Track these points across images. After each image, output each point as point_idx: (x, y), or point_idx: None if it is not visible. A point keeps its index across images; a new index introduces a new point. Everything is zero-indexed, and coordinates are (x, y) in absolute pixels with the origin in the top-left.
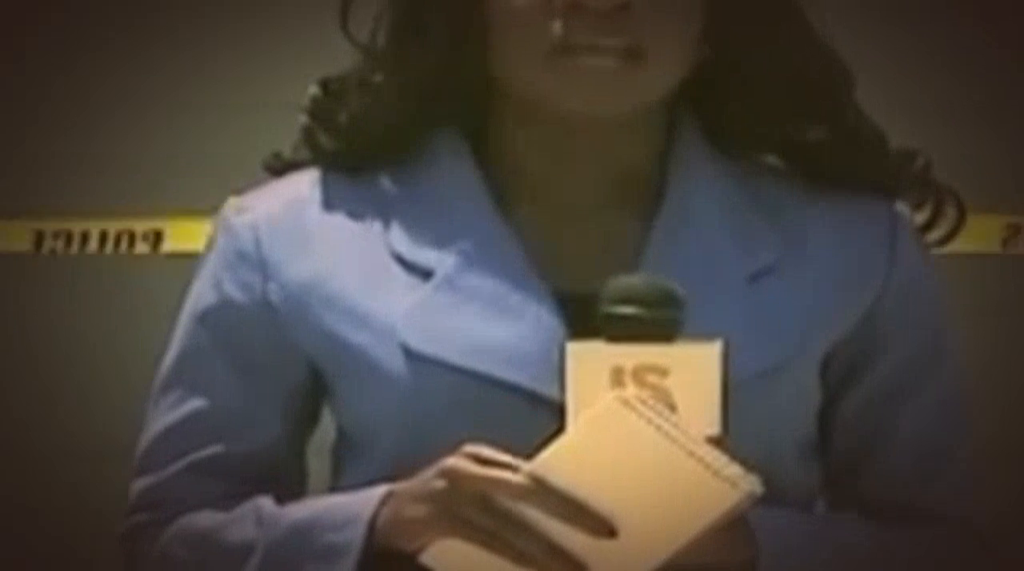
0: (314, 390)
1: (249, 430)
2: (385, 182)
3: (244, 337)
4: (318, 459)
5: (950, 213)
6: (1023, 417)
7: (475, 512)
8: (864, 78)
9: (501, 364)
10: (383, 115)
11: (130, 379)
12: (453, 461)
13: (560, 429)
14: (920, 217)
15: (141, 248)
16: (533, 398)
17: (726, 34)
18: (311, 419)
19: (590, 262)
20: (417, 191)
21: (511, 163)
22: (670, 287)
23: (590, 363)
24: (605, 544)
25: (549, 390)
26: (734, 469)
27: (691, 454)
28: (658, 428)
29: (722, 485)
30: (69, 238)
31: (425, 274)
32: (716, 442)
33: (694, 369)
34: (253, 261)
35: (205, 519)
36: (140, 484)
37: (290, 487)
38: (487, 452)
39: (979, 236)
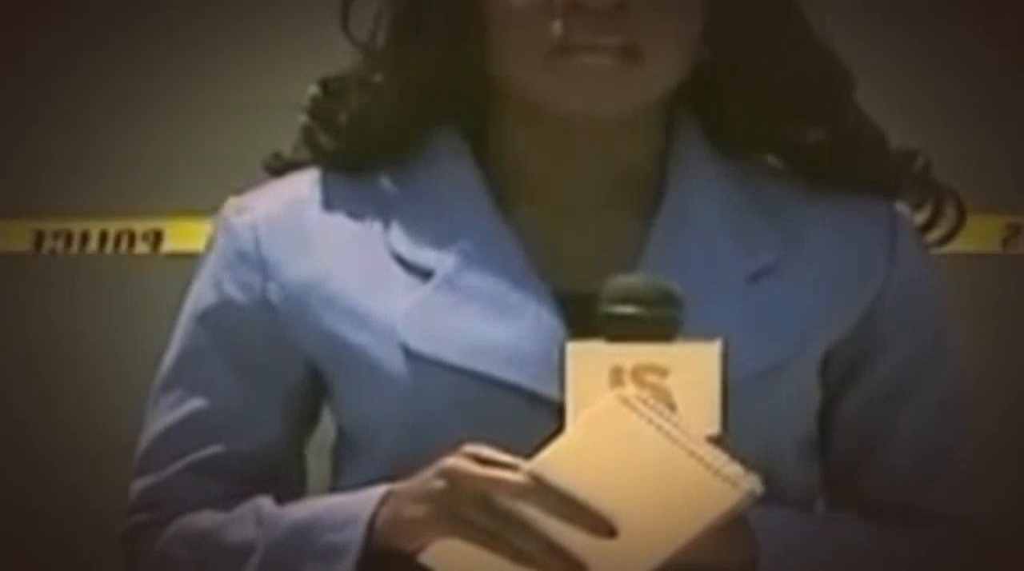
0: (314, 390)
1: (249, 430)
2: (385, 182)
3: (244, 337)
4: (318, 459)
5: (950, 213)
6: (1023, 417)
7: (475, 512)
8: (864, 78)
9: (501, 364)
10: (383, 114)
11: (130, 379)
12: (453, 461)
13: (560, 429)
14: (920, 217)
15: (141, 248)
16: (533, 398)
17: (726, 35)
18: (311, 419)
19: (590, 262)
20: (417, 191)
21: (511, 163)
22: (669, 287)
23: (590, 363)
24: (605, 543)
25: (549, 390)
26: (734, 468)
27: (691, 453)
28: (658, 427)
29: (722, 485)
30: (69, 238)
31: (425, 274)
32: (716, 442)
33: (694, 369)
34: (253, 261)
35: (205, 519)
36: (140, 484)
37: (290, 487)
38: (487, 452)
39: (979, 236)
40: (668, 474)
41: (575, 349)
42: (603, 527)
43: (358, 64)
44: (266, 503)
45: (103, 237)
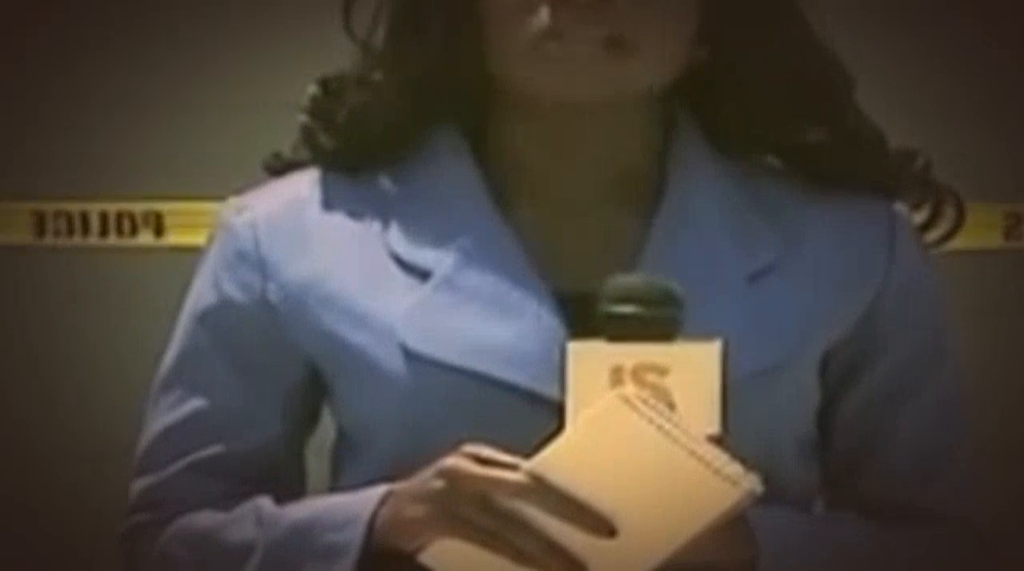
0: (314, 390)
1: (249, 430)
2: (384, 181)
3: (244, 337)
4: (318, 459)
5: (949, 213)
6: (1023, 417)
7: (474, 512)
8: (864, 78)
9: (500, 364)
10: (382, 113)
11: (130, 379)
12: (452, 461)
13: (560, 428)
14: (919, 217)
15: (143, 235)
16: (532, 398)
17: (722, 35)
18: (311, 419)
19: (590, 261)
20: (416, 189)
21: (510, 161)
22: (669, 286)
23: (590, 362)
24: (605, 543)
25: (548, 389)
26: (734, 468)
27: (691, 453)
28: (658, 427)
29: (722, 484)
30: (70, 221)
31: (424, 274)
32: (716, 441)
33: (694, 368)
34: (252, 261)
35: (205, 519)
36: (140, 484)
37: (290, 487)
38: (486, 452)
39: (980, 228)
40: (668, 474)
41: (575, 349)
42: (603, 527)
43: (357, 63)
44: (266, 503)
45: (104, 219)
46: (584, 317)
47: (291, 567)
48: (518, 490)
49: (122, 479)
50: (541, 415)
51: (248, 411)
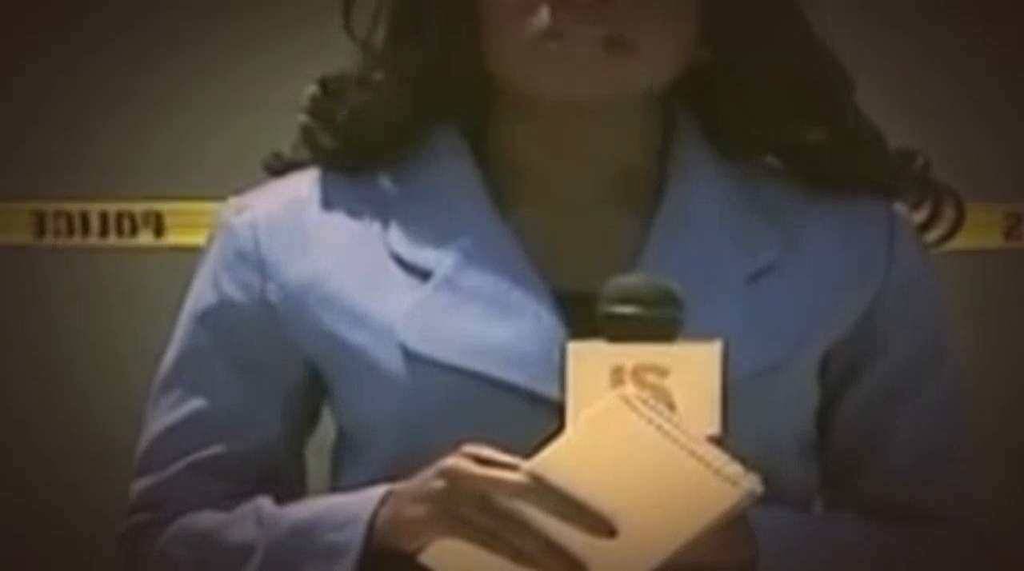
0: (314, 390)
1: (249, 430)
2: (384, 181)
3: (244, 337)
4: (318, 459)
5: (949, 212)
6: (1023, 417)
7: (475, 512)
8: (864, 78)
9: (500, 364)
10: (382, 112)
11: (130, 379)
12: (453, 461)
13: (560, 428)
14: (919, 217)
15: (143, 235)
16: (532, 398)
17: (723, 35)
18: (311, 419)
19: (589, 261)
20: (416, 190)
21: (510, 161)
22: (670, 286)
23: (591, 362)
24: (605, 543)
25: (548, 389)
26: (734, 468)
27: (691, 453)
28: (658, 427)
29: (722, 484)
30: (70, 221)
31: (424, 274)
32: (716, 442)
33: (694, 369)
34: (252, 261)
35: (205, 519)
36: (141, 484)
37: (290, 487)
38: (487, 452)
39: (980, 228)
40: (668, 474)
41: (576, 349)
42: (603, 527)
43: (358, 63)
44: (266, 503)
45: (104, 219)
46: (584, 317)
47: (291, 567)
48: (518, 490)
49: (122, 479)
50: (541, 415)
51: (248, 411)
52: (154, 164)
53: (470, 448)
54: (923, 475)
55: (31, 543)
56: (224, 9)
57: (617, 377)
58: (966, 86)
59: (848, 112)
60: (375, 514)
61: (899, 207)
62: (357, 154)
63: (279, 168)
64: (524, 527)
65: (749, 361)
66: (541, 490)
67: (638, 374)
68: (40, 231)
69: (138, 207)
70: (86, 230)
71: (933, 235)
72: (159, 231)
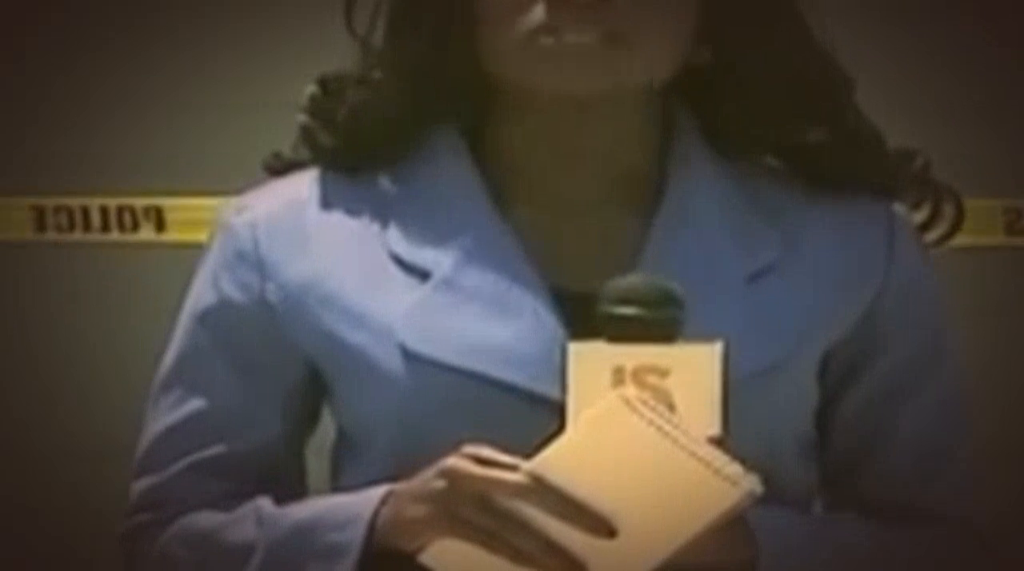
0: (314, 390)
1: (249, 430)
2: (384, 181)
3: (243, 337)
4: (318, 459)
5: (948, 212)
6: (1023, 417)
7: (475, 512)
8: (864, 78)
9: (499, 364)
10: (381, 111)
11: (130, 379)
12: (453, 461)
13: (559, 429)
14: (919, 216)
15: (144, 229)
16: (531, 398)
17: (722, 35)
18: (311, 419)
19: (589, 261)
20: (415, 189)
21: (508, 161)
22: (670, 287)
23: (591, 363)
24: (605, 543)
25: (547, 389)
26: (734, 469)
27: (692, 454)
28: (658, 428)
29: (722, 484)
30: (71, 215)
31: (423, 275)
32: (717, 442)
33: (695, 370)
34: (251, 261)
35: (205, 519)
36: (141, 484)
37: (290, 487)
38: (487, 452)
39: (980, 223)
40: (668, 474)
41: (577, 349)
42: (603, 527)
43: (358, 62)
44: (266, 503)
45: (104, 214)
46: (584, 317)
47: (292, 567)
48: (518, 490)
49: (122, 479)
50: (540, 415)
51: (248, 411)
52: (154, 164)
53: (470, 448)
54: (923, 475)
55: (31, 543)
56: (224, 9)
57: (618, 378)
58: (966, 86)
59: (848, 112)
60: (376, 514)
61: (899, 207)
62: (357, 153)
63: (279, 168)
64: (524, 527)
65: (749, 361)
66: (541, 490)
67: (639, 375)
68: (40, 226)
69: (139, 202)
70: (87, 225)
71: (933, 235)
72: (160, 226)
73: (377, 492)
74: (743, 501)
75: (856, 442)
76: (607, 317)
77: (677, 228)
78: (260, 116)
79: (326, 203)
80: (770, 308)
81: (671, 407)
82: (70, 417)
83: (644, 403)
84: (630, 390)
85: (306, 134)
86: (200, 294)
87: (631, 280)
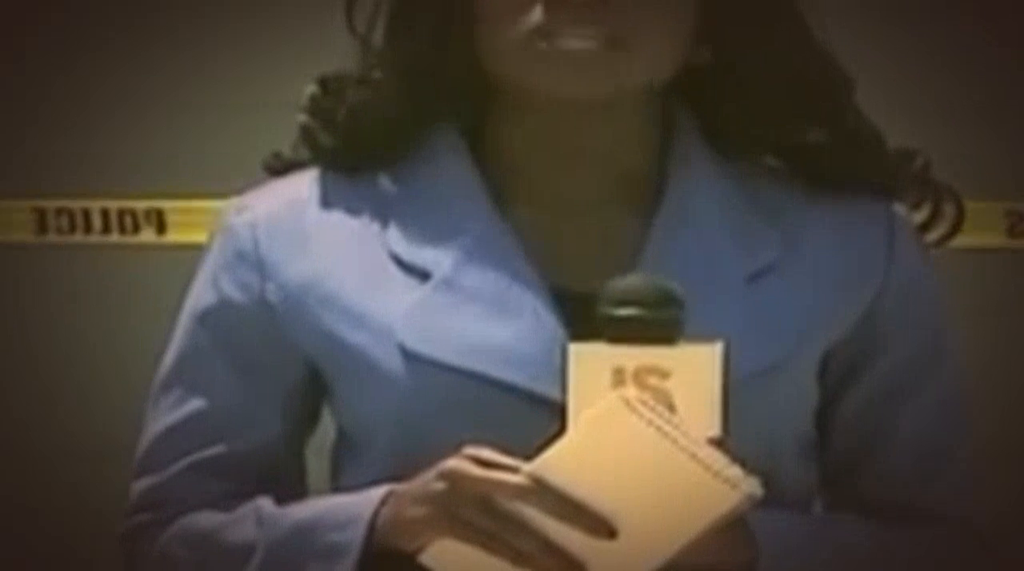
0: (314, 389)
1: (249, 430)
2: (384, 181)
3: (243, 337)
4: (318, 459)
5: (949, 212)
6: (1023, 417)
7: (475, 513)
8: (864, 78)
9: (499, 364)
10: (381, 110)
11: (130, 379)
12: (454, 463)
13: (559, 429)
14: (919, 216)
15: (145, 232)
16: (531, 398)
17: (722, 35)
18: (311, 418)
19: (589, 261)
20: (415, 189)
21: (508, 160)
22: (670, 288)
23: (592, 364)
24: (605, 545)
25: (547, 390)
26: (734, 471)
27: (692, 456)
28: (658, 429)
29: (722, 487)
30: (72, 218)
31: (423, 275)
32: (717, 444)
33: (695, 371)
34: (251, 261)
35: (205, 519)
36: (142, 484)
37: (290, 487)
38: (487, 454)
39: (981, 226)
40: (668, 476)
41: (577, 350)
42: (603, 528)
43: (358, 61)
44: (266, 503)
45: (105, 216)
46: (583, 317)
47: (292, 567)
48: (519, 492)
49: (122, 479)
50: (540, 415)
51: (248, 411)
52: (154, 164)
53: (471, 450)
54: (923, 475)
55: (31, 543)
56: (224, 9)
57: (618, 379)
58: (966, 86)
59: (848, 112)
60: (376, 514)
61: (899, 207)
62: (357, 153)
63: (279, 168)
64: (524, 528)
65: (749, 361)
66: (542, 492)
67: (639, 376)
68: (41, 228)
69: (140, 204)
70: (88, 227)
71: (933, 235)
72: (161, 228)
73: (377, 492)
74: (742, 504)
75: (856, 442)
76: (607, 318)
77: (677, 228)
78: (260, 116)
79: (326, 203)
80: (770, 308)
81: (671, 408)
82: (70, 417)
83: (644, 404)
84: (630, 391)
85: (306, 134)
86: (200, 294)
87: (631, 281)
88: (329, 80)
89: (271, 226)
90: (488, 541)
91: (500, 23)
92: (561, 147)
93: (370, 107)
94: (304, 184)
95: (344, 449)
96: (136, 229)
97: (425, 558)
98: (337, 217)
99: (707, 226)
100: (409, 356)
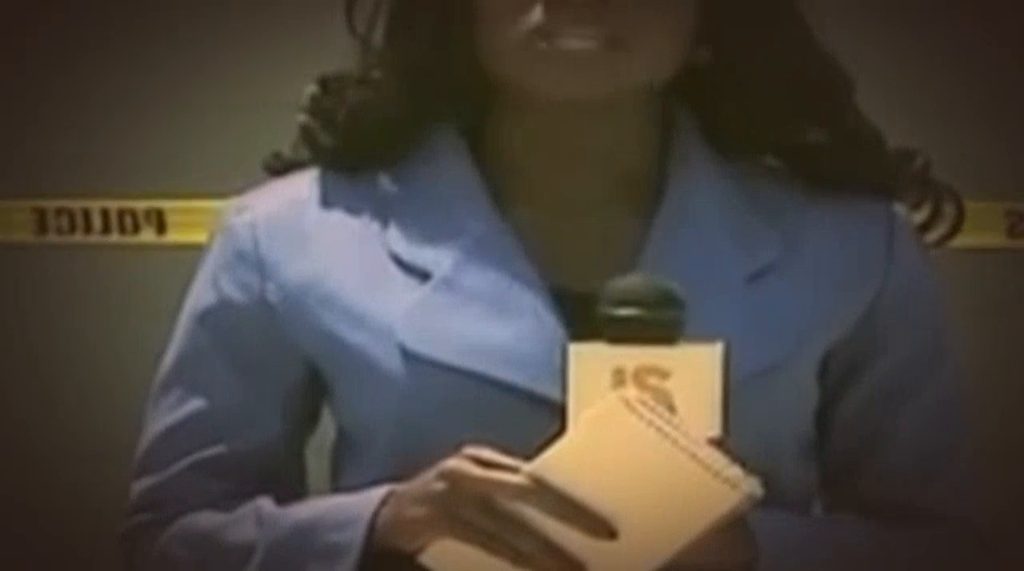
0: (313, 389)
1: (249, 430)
2: (384, 181)
3: (243, 337)
4: (318, 459)
5: (949, 212)
6: (1023, 417)
7: (475, 514)
8: (864, 78)
9: (499, 364)
10: (380, 110)
11: (130, 379)
12: (454, 463)
13: (559, 429)
14: (919, 217)
15: (145, 232)
16: (531, 398)
17: (722, 35)
18: (311, 418)
19: (589, 261)
20: (415, 189)
21: (508, 160)
22: (670, 288)
23: (592, 364)
24: (605, 545)
25: (547, 390)
26: (734, 471)
27: (692, 456)
28: (658, 429)
29: (722, 487)
30: (72, 218)
31: (423, 275)
32: (717, 444)
33: (695, 371)
34: (251, 261)
35: (205, 519)
36: (142, 484)
37: (290, 487)
38: (487, 454)
39: (981, 226)
40: (668, 476)
41: (577, 350)
42: (603, 528)
43: (357, 62)
44: (266, 504)
45: (105, 216)
46: (584, 317)
47: (292, 567)
48: (519, 492)
49: (122, 479)
50: (540, 415)
51: (248, 411)
52: (154, 164)
53: (471, 450)
54: (923, 475)
55: (31, 543)
56: (224, 9)
57: (618, 379)
58: (966, 86)
59: (848, 112)
60: (376, 514)
61: (899, 207)
62: (356, 153)
63: (279, 168)
64: (524, 529)
65: (749, 361)
66: (542, 492)
67: (639, 376)
68: (41, 228)
69: (140, 204)
70: (88, 227)
71: (934, 235)
72: (161, 228)
73: (377, 493)
74: (742, 505)
75: (856, 442)
76: (607, 318)
77: (677, 228)
78: (260, 116)
79: (326, 203)
80: (770, 308)
81: (671, 408)
82: (70, 417)
83: (644, 404)
84: (630, 391)
85: (306, 134)
86: (200, 294)
87: (631, 281)
88: (329, 80)
89: (271, 226)
90: (488, 541)
91: (500, 23)
92: (561, 147)
93: (370, 107)
94: (304, 184)
95: (344, 449)
96: (136, 229)
97: (425, 558)
98: (337, 217)
99: (707, 226)
100: (409, 356)
